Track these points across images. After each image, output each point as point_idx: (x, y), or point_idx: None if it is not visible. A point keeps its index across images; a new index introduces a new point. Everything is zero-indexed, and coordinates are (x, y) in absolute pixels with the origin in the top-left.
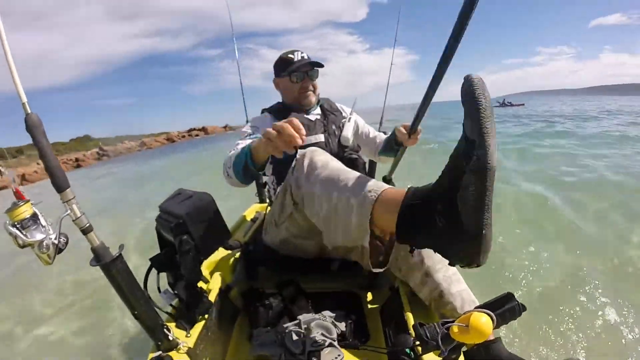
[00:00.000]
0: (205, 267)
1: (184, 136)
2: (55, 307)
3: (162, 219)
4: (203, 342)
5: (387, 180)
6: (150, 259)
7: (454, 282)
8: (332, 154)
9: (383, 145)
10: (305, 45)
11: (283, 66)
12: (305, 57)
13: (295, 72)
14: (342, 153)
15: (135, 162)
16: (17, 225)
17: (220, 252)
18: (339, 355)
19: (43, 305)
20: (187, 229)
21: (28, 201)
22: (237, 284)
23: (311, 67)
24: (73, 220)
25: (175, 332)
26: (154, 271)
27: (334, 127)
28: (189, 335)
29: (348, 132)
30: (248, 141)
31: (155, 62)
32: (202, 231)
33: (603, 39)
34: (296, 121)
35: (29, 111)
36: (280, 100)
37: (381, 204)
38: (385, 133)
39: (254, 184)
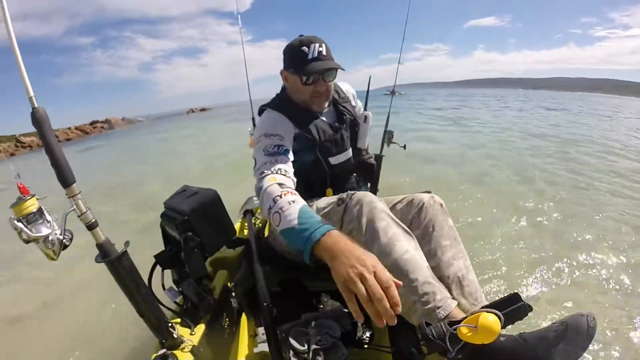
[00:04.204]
0: (210, 264)
1: (95, 127)
2: (56, 300)
3: (167, 215)
4: (207, 340)
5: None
6: (155, 256)
7: (471, 271)
8: (352, 162)
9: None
10: (186, 35)
11: (294, 61)
12: (323, 53)
13: (308, 75)
14: (360, 157)
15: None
16: (23, 220)
17: (225, 250)
18: (343, 353)
19: (43, 299)
20: (192, 226)
21: (33, 196)
22: (241, 282)
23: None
24: (78, 216)
25: (179, 330)
26: (158, 268)
27: (352, 133)
28: (193, 333)
29: (365, 136)
30: (275, 161)
31: (22, 50)
32: (207, 228)
33: (477, 39)
34: (396, 295)
35: (36, 105)
36: (281, 91)
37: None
38: (391, 132)
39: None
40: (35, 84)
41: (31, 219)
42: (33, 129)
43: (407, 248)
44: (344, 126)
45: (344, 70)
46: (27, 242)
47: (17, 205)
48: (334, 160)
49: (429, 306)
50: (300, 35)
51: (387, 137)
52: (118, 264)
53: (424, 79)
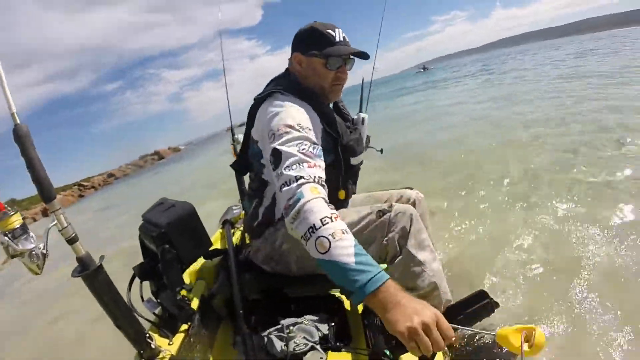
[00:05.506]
0: (188, 275)
1: (146, 160)
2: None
3: (145, 228)
4: (186, 350)
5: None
6: (134, 268)
7: (443, 278)
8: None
9: None
10: (208, 59)
11: (318, 43)
12: (347, 39)
13: (334, 57)
14: None
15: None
16: (9, 235)
17: (203, 261)
18: (321, 358)
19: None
20: (168, 239)
21: (17, 211)
22: (220, 292)
23: (356, 56)
24: (59, 230)
25: (157, 340)
26: (137, 280)
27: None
28: (171, 343)
29: (364, 139)
30: (313, 165)
31: (55, 108)
32: (183, 240)
33: None
34: (450, 331)
35: (18, 121)
36: (287, 78)
37: None
38: (368, 137)
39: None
40: (75, 136)
41: (17, 233)
42: (90, 174)
43: (436, 256)
44: (354, 125)
45: (368, 58)
46: (13, 256)
47: (2, 220)
48: (354, 160)
49: (446, 298)
50: (315, 22)
51: (365, 141)
52: (94, 278)
53: (448, 51)
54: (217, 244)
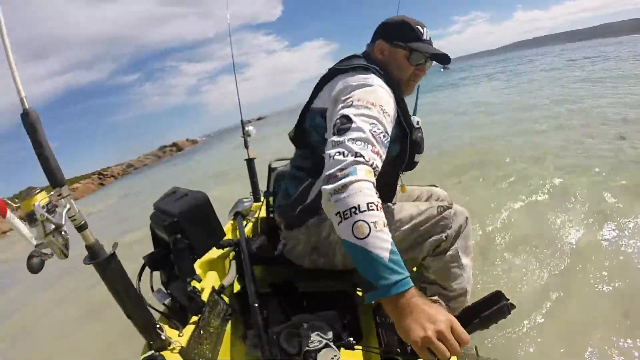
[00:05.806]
0: (199, 266)
1: (164, 151)
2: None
3: (156, 217)
4: (196, 341)
5: None
6: (144, 258)
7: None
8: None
9: None
10: (226, 53)
11: (406, 35)
12: (431, 40)
13: (419, 53)
14: None
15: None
16: (44, 208)
17: (215, 251)
18: (335, 355)
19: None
20: (181, 228)
21: (43, 189)
22: (231, 284)
23: (438, 59)
24: (70, 217)
25: (168, 331)
26: (147, 270)
27: None
28: (181, 334)
29: None
30: (377, 152)
31: (73, 99)
32: (196, 230)
33: None
34: (465, 335)
35: (27, 106)
36: (371, 60)
37: None
38: None
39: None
40: (93, 127)
41: (50, 208)
42: (108, 164)
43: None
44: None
45: (448, 64)
46: (46, 235)
47: (31, 196)
48: (417, 157)
49: (466, 304)
50: (404, 15)
51: None
52: (106, 266)
53: (468, 51)
54: (228, 236)
